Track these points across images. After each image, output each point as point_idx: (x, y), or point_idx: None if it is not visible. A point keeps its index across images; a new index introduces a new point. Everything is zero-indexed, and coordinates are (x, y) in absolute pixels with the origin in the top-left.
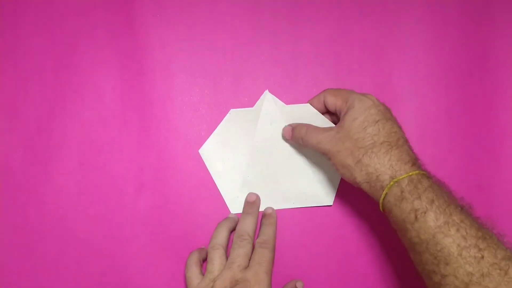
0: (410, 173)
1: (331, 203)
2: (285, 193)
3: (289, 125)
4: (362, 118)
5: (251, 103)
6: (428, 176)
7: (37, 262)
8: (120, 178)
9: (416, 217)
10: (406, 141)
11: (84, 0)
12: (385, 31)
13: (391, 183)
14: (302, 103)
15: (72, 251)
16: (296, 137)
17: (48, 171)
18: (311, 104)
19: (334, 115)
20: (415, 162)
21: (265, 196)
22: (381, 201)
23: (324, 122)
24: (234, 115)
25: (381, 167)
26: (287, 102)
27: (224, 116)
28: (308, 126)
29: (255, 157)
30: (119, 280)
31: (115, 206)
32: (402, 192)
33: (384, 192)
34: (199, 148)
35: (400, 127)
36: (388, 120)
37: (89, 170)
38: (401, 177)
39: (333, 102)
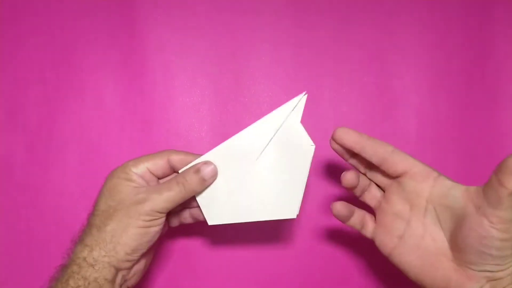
0: None
1: (294, 216)
2: (249, 205)
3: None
4: None
5: (251, 104)
6: None
7: (36, 262)
8: None
9: None
10: None
11: (85, 2)
12: (386, 33)
13: None
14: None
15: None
16: None
17: (48, 171)
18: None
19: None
20: None
21: (229, 208)
22: None
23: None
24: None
25: None
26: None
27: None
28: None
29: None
30: None
31: None
32: None
33: None
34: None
35: None
36: None
37: (89, 170)
38: None
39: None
